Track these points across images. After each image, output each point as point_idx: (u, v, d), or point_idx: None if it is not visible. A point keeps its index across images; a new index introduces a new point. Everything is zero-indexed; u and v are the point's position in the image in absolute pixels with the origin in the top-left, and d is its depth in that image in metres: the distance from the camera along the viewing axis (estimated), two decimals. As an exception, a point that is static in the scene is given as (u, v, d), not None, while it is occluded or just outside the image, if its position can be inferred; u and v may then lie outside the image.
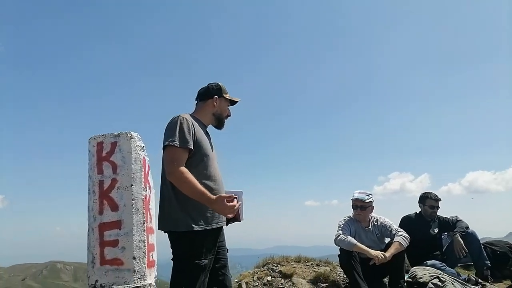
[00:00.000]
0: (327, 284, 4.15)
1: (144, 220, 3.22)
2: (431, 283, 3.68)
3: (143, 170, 3.31)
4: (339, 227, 4.08)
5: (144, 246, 3.17)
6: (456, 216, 5.24)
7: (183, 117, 2.49)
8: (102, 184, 3.20)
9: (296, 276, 4.36)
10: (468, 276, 4.39)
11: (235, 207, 2.27)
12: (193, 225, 2.35)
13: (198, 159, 2.49)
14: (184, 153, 2.47)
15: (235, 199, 2.27)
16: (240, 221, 2.66)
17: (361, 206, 4.10)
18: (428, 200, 5.07)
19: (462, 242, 4.66)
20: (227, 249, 2.65)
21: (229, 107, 2.77)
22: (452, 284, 3.68)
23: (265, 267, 4.62)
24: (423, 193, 5.17)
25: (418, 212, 5.13)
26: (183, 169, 2.41)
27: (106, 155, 3.23)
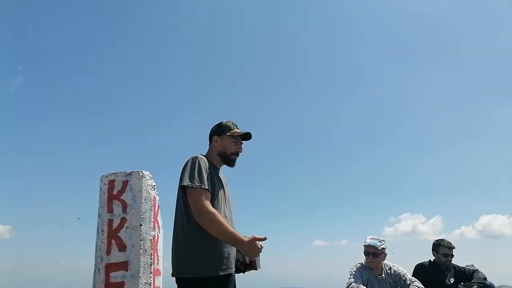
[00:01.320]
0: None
1: (151, 262, 3.15)
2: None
3: (152, 209, 3.29)
4: (350, 274, 3.93)
5: (150, 288, 3.08)
6: (473, 265, 5.02)
7: (200, 158, 2.49)
8: (111, 223, 3.17)
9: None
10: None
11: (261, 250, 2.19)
12: (198, 271, 2.26)
13: (212, 201, 2.45)
14: (207, 193, 2.44)
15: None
16: (257, 269, 2.56)
17: (374, 253, 3.97)
18: (441, 248, 4.88)
19: (480, 294, 4.44)
20: None
21: (243, 142, 2.67)
22: None
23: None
24: (436, 241, 5.00)
25: (432, 260, 4.93)
26: (214, 209, 2.37)
27: (117, 193, 3.22)
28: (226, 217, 2.40)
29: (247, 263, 2.47)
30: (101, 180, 3.34)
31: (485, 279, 4.67)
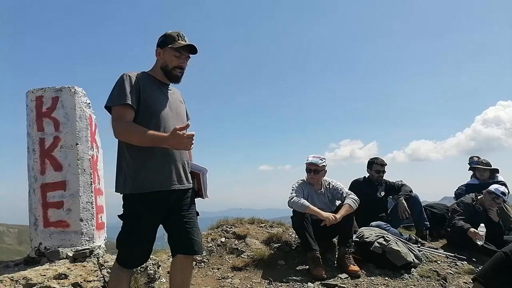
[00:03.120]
0: (279, 244, 4.25)
1: (91, 181, 3.05)
2: (377, 242, 3.88)
3: (89, 128, 3.10)
4: (292, 189, 4.13)
5: (92, 208, 3.02)
6: (401, 181, 5.55)
7: (126, 75, 2.24)
8: (43, 142, 2.96)
9: (249, 237, 4.42)
10: (409, 235, 4.72)
11: (192, 139, 2.09)
12: (133, 188, 2.22)
13: (145, 119, 2.26)
14: (125, 109, 2.22)
15: (187, 130, 2.06)
16: (203, 198, 2.51)
17: (315, 170, 4.17)
18: (374, 165, 5.31)
19: (405, 205, 4.96)
20: (197, 212, 2.49)
21: (190, 56, 2.40)
22: (396, 243, 3.92)
23: (219, 229, 4.64)
24: (370, 159, 5.42)
25: (366, 177, 5.35)
26: (128, 121, 2.21)
27: (47, 110, 2.97)
28: (166, 124, 2.23)
29: (195, 191, 2.44)
30: (27, 96, 3.03)
31: (411, 191, 5.21)
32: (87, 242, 2.95)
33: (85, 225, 2.95)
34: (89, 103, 3.15)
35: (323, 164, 4.20)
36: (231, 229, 4.61)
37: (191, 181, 2.44)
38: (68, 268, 2.68)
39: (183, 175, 2.35)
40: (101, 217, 3.17)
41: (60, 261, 2.78)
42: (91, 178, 3.05)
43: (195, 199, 2.50)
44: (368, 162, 5.39)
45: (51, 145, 2.96)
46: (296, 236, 4.49)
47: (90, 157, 3.05)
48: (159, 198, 2.23)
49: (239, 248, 4.20)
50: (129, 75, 2.27)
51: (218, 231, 4.57)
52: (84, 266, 2.76)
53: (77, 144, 2.98)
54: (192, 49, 2.34)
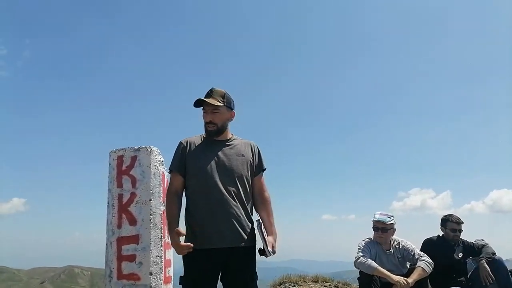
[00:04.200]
0: (345, 308, 4.00)
1: (161, 235, 3.20)
2: (457, 311, 3.50)
3: (161, 184, 3.32)
4: (359, 249, 3.94)
5: (161, 261, 3.15)
6: (482, 240, 4.99)
7: (180, 142, 2.52)
8: (121, 198, 3.22)
9: (313, 298, 4.23)
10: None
11: (186, 249, 2.26)
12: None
13: (188, 176, 2.42)
14: (174, 175, 2.44)
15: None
16: (267, 256, 2.39)
17: (382, 228, 3.96)
18: (449, 223, 4.84)
19: (488, 269, 4.42)
20: (252, 277, 2.41)
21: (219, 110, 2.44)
22: (479, 313, 3.49)
23: (282, 286, 4.50)
24: (444, 216, 4.96)
25: (440, 235, 4.92)
26: (170, 192, 2.43)
27: (126, 169, 3.25)
28: (210, 186, 2.33)
29: (259, 250, 2.44)
30: (110, 156, 3.36)
31: (493, 253, 4.65)
32: (155, 296, 3.03)
33: (154, 279, 3.06)
34: (162, 161, 3.40)
35: (391, 222, 3.98)
36: (294, 287, 4.45)
37: (248, 238, 2.40)
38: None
39: (238, 233, 2.36)
40: (168, 271, 3.28)
41: (130, 314, 2.87)
42: (161, 233, 3.20)
43: (261, 256, 2.48)
44: (442, 219, 4.94)
45: (128, 201, 3.20)
46: (364, 300, 4.21)
47: (162, 212, 3.24)
48: (209, 256, 2.30)
49: (302, 309, 4.02)
50: (181, 142, 2.51)
51: (281, 289, 4.44)
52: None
53: (151, 199, 3.19)
54: (199, 104, 2.45)
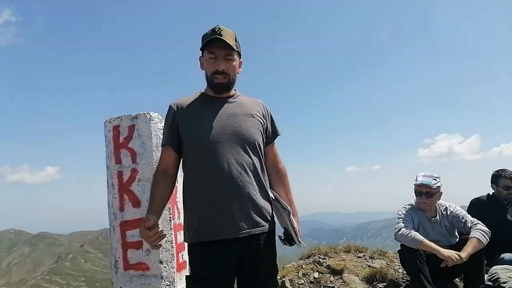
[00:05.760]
0: (384, 284, 3.55)
1: (170, 217, 2.75)
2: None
3: (167, 157, 2.82)
4: (399, 218, 3.41)
5: (172, 247, 2.71)
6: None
7: (169, 107, 1.87)
8: (121, 176, 2.74)
9: (347, 271, 3.79)
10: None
11: (155, 239, 1.71)
12: (186, 237, 1.83)
13: (186, 153, 1.86)
14: (164, 152, 1.89)
15: (156, 229, 1.71)
16: (292, 245, 1.96)
17: (427, 193, 3.38)
18: (502, 179, 4.19)
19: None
20: (273, 271, 1.92)
21: (223, 56, 1.82)
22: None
23: (311, 259, 4.09)
24: (496, 171, 4.31)
25: (490, 194, 4.31)
26: (156, 172, 1.86)
27: (124, 141, 2.75)
28: (213, 167, 1.74)
29: (282, 238, 1.95)
30: (105, 126, 2.85)
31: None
32: (167, 286, 2.63)
33: (165, 267, 2.64)
34: (166, 129, 2.87)
35: (437, 184, 3.39)
36: (324, 260, 4.02)
37: (267, 222, 1.88)
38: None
39: (254, 216, 1.84)
40: (182, 255, 2.85)
41: (141, 309, 2.49)
42: (170, 213, 2.75)
43: (286, 245, 1.98)
44: (493, 175, 4.28)
45: (129, 179, 2.73)
46: (404, 273, 3.74)
47: (169, 190, 2.75)
48: (221, 249, 1.77)
49: (336, 287, 3.60)
50: (171, 106, 1.89)
51: (310, 263, 4.02)
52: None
53: (155, 176, 2.70)
54: (217, 42, 1.80)
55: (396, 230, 3.33)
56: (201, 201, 1.80)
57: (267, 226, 1.88)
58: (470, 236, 3.18)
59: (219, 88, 1.88)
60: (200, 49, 1.89)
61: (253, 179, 1.86)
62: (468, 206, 4.27)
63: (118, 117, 2.80)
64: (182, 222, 2.88)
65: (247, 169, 1.85)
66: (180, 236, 2.85)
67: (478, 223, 3.31)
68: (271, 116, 2.07)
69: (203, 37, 1.86)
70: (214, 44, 1.82)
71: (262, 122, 1.99)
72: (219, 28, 1.83)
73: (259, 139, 1.94)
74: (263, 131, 1.98)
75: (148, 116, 2.73)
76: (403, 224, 3.32)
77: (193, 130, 1.83)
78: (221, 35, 1.81)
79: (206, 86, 1.94)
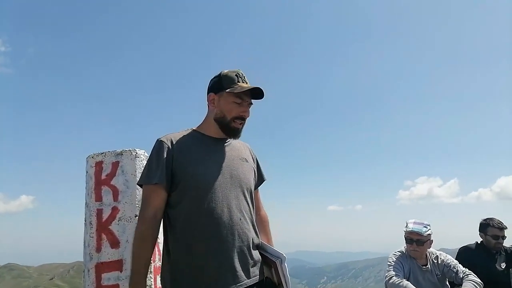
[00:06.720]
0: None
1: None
2: None
3: (151, 196, 2.70)
4: (389, 265, 3.31)
5: (150, 293, 2.54)
6: (526, 245, 4.34)
7: (159, 141, 1.73)
8: (100, 214, 2.61)
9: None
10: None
11: None
12: (171, 285, 1.70)
13: (179, 194, 1.71)
14: (153, 191, 1.68)
15: None
16: None
17: (418, 240, 3.30)
18: (490, 228, 4.16)
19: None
20: None
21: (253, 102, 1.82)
22: None
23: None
24: (484, 220, 4.28)
25: (479, 243, 4.26)
26: (145, 219, 1.70)
27: (106, 178, 2.64)
28: (216, 212, 1.64)
29: (274, 285, 1.84)
30: (87, 162, 2.74)
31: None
32: (143, 337, 2.43)
33: (142, 315, 2.45)
34: (151, 167, 2.77)
35: (428, 232, 3.33)
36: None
37: (260, 272, 1.80)
38: None
39: (251, 267, 1.74)
40: (161, 302, 2.66)
41: None
42: (151, 256, 2.59)
43: None
44: (481, 224, 4.25)
45: (109, 217, 2.59)
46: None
47: (151, 231, 2.61)
48: None
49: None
50: (162, 141, 1.77)
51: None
52: None
53: (136, 216, 2.57)
54: (257, 93, 1.79)
55: (387, 279, 3.22)
56: (200, 250, 1.68)
57: (258, 276, 1.81)
58: (462, 287, 3.08)
59: (235, 132, 1.83)
60: (219, 88, 1.82)
61: (250, 226, 1.81)
62: (457, 254, 4.19)
63: (102, 153, 2.70)
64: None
65: (245, 215, 1.79)
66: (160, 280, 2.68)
67: (470, 274, 3.22)
68: (257, 161, 2.02)
69: (226, 77, 1.81)
70: (247, 92, 1.79)
71: (253, 167, 1.95)
72: (242, 73, 1.84)
73: (253, 184, 1.90)
74: (254, 177, 1.94)
75: (133, 153, 2.64)
76: (394, 273, 3.22)
77: (194, 172, 1.73)
78: (247, 82, 1.83)
79: (201, 124, 1.89)
